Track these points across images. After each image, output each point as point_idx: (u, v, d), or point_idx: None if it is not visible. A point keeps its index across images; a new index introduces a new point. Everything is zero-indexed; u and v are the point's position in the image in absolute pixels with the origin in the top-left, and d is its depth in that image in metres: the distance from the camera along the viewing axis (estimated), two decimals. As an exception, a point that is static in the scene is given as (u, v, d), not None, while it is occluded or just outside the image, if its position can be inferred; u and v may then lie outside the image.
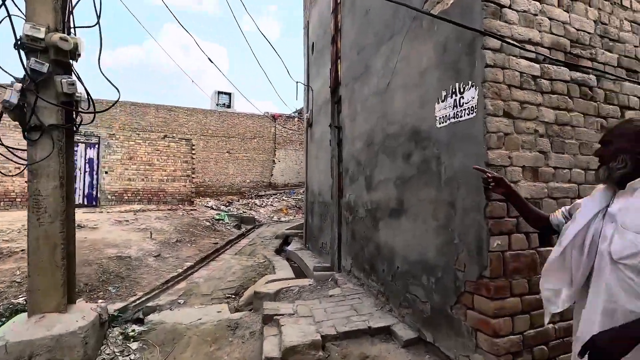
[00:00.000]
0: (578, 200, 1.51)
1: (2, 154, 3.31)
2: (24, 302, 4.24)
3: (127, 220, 8.64)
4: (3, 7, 2.68)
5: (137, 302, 4.58)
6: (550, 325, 2.11)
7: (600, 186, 1.39)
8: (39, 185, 2.92)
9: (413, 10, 2.62)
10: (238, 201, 18.72)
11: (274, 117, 23.67)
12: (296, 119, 24.41)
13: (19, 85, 2.89)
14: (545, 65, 2.26)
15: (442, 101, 2.42)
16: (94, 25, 3.10)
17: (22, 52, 2.82)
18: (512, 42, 2.12)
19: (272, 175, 23.45)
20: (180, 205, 13.19)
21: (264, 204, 18.74)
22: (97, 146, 12.41)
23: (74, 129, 3.16)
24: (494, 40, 2.09)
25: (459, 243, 2.25)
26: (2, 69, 2.78)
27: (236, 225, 11.85)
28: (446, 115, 2.38)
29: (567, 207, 1.57)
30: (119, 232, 7.32)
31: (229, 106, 26.32)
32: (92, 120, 3.33)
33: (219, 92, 26.55)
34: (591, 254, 1.27)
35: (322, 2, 6.18)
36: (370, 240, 3.74)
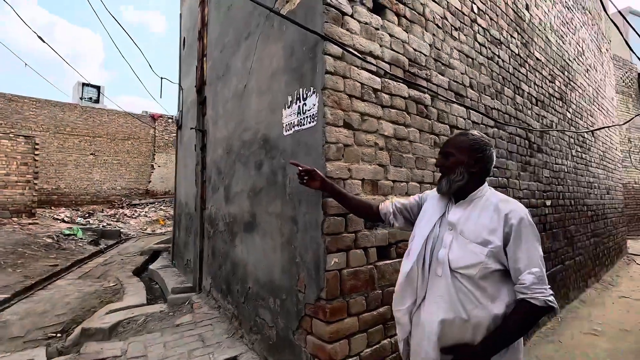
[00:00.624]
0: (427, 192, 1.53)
1: None
2: None
3: None
4: None
5: None
6: (387, 341, 2.09)
7: (434, 192, 1.41)
8: None
9: (266, 9, 2.41)
10: (102, 212, 16.01)
11: (153, 118, 21.34)
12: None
13: None
14: (386, 79, 2.28)
15: (289, 107, 2.24)
16: None
17: None
18: (353, 51, 2.06)
19: (149, 181, 21.05)
20: (14, 218, 10.48)
21: (137, 214, 16.49)
22: None
23: None
24: (335, 47, 1.99)
25: (300, 262, 2.07)
26: None
27: (92, 241, 9.96)
28: (291, 123, 2.20)
29: (405, 200, 1.57)
30: None
31: (97, 101, 22.76)
32: None
33: (85, 84, 22.84)
34: (430, 261, 1.27)
35: (193, -7, 5.63)
36: (227, 257, 3.37)
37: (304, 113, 2.07)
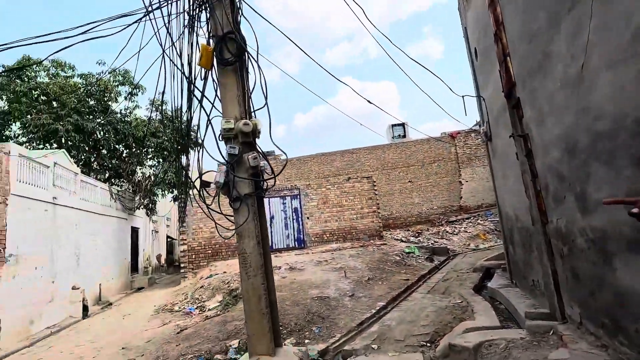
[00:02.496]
0: None
1: (218, 222, 4.24)
2: (254, 338, 5.16)
3: (326, 261, 9.59)
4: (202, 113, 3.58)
5: (336, 344, 4.80)
6: None
7: None
8: (244, 245, 3.56)
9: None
10: (427, 230, 17.97)
11: (452, 136, 22.26)
12: (477, 133, 22.15)
13: (223, 168, 3.71)
14: None
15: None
16: (263, 107, 3.72)
17: (221, 143, 3.65)
18: None
19: (461, 197, 21.66)
20: (371, 241, 13.76)
21: (457, 230, 17.24)
22: (299, 197, 14.80)
23: (262, 194, 3.74)
24: None
25: None
26: (213, 158, 3.69)
27: (428, 258, 11.24)
28: None
29: None
30: (320, 273, 8.17)
31: (404, 136, 26.63)
32: (274, 184, 3.88)
33: (393, 125, 27.34)
34: None
35: (476, 1, 5.46)
36: (603, 283, 2.64)
37: None
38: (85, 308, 9.78)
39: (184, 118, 4.23)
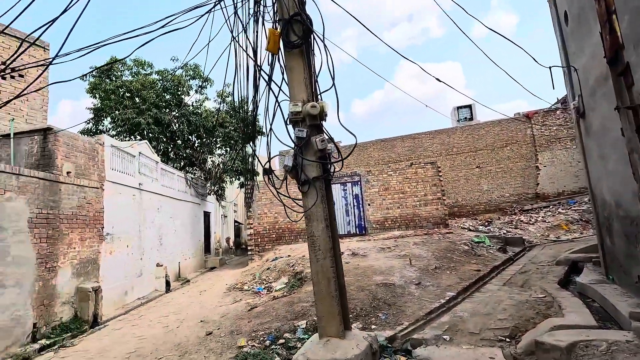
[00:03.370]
0: None
1: (287, 205, 4.30)
2: (321, 320, 5.24)
3: (389, 248, 9.39)
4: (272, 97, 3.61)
5: (404, 331, 4.68)
6: None
7: None
8: (312, 227, 3.58)
9: None
10: (499, 219, 16.68)
11: (527, 117, 20.23)
12: (559, 111, 19.85)
13: (291, 152, 3.74)
14: None
15: None
16: (330, 88, 3.64)
17: (289, 127, 3.67)
18: None
19: (537, 184, 19.77)
20: (435, 229, 13.18)
21: (533, 220, 15.74)
22: (359, 183, 14.66)
23: (330, 177, 3.70)
24: None
25: None
26: (282, 142, 3.74)
27: (500, 248, 10.43)
28: None
29: None
30: (383, 260, 8.02)
31: (470, 119, 24.85)
32: (341, 168, 3.81)
33: (458, 107, 25.65)
34: None
35: (569, -45, 4.73)
36: None
37: None
38: (167, 283, 10.85)
39: (251, 106, 4.33)
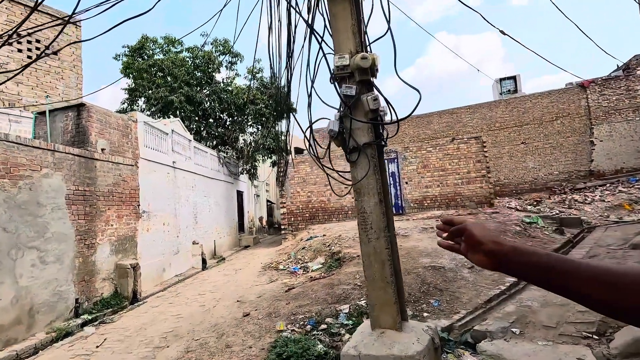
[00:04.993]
0: None
1: (335, 179, 3.79)
2: (365, 305, 4.81)
3: (432, 228, 8.74)
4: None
5: (462, 321, 4.14)
6: None
7: None
8: (363, 203, 3.06)
9: None
10: (548, 198, 15.38)
11: (582, 86, 18.29)
12: (621, 78, 17.78)
13: (337, 114, 3.20)
14: None
15: None
16: (385, 34, 3.02)
17: (335, 84, 3.11)
18: None
19: (591, 161, 18.09)
20: (479, 208, 12.28)
21: (589, 199, 14.33)
22: (395, 160, 13.89)
23: (383, 143, 3.14)
24: None
25: None
26: (325, 103, 3.20)
27: (556, 230, 9.48)
28: None
29: None
30: (428, 241, 7.42)
31: (515, 91, 22.96)
32: (397, 132, 3.23)
33: (501, 79, 23.77)
34: None
35: None
36: None
37: None
38: (204, 261, 10.89)
39: (282, 69, 3.80)
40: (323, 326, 4.44)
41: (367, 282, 3.08)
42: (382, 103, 3.03)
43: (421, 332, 2.97)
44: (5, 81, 4.89)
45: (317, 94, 3.22)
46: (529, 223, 9.97)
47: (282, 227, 14.67)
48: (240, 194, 16.64)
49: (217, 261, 11.96)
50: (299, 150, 27.17)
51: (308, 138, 3.27)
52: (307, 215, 14.37)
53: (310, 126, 3.26)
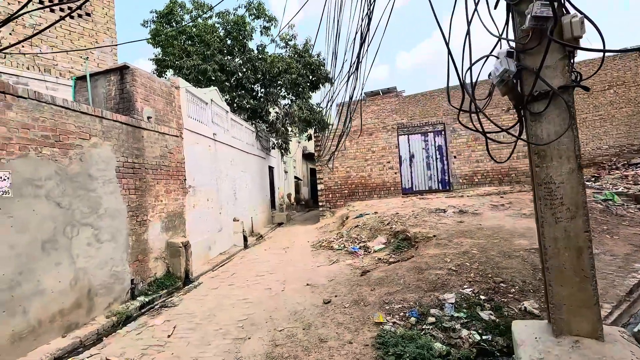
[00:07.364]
0: None
1: (496, 140, 3.01)
2: (472, 294, 4.11)
3: (503, 205, 7.90)
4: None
5: (610, 318, 3.39)
6: None
7: None
8: (549, 170, 2.26)
9: None
10: (609, 174, 14.17)
11: (644, 51, 16.49)
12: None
13: (503, 51, 2.36)
14: None
15: None
16: None
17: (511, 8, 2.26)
18: None
19: (649, 134, 16.54)
20: (537, 185, 11.31)
21: (652, 175, 13.07)
22: (443, 133, 12.90)
23: (586, 86, 2.30)
24: None
25: None
26: (488, 30, 2.36)
27: (640, 208, 8.48)
28: None
29: None
30: (509, 220, 6.62)
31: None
32: (598, 69, 2.38)
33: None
34: None
35: None
36: None
37: None
38: (245, 239, 10.40)
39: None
40: (430, 319, 3.77)
41: (551, 274, 2.33)
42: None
43: (626, 342, 2.23)
44: (36, 34, 4.19)
45: (481, 16, 2.37)
46: (604, 200, 8.99)
47: (320, 203, 14.06)
48: (271, 170, 16.01)
49: (256, 239, 11.48)
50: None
51: (464, 84, 2.45)
52: (346, 191, 13.68)
53: (470, 67, 2.44)
